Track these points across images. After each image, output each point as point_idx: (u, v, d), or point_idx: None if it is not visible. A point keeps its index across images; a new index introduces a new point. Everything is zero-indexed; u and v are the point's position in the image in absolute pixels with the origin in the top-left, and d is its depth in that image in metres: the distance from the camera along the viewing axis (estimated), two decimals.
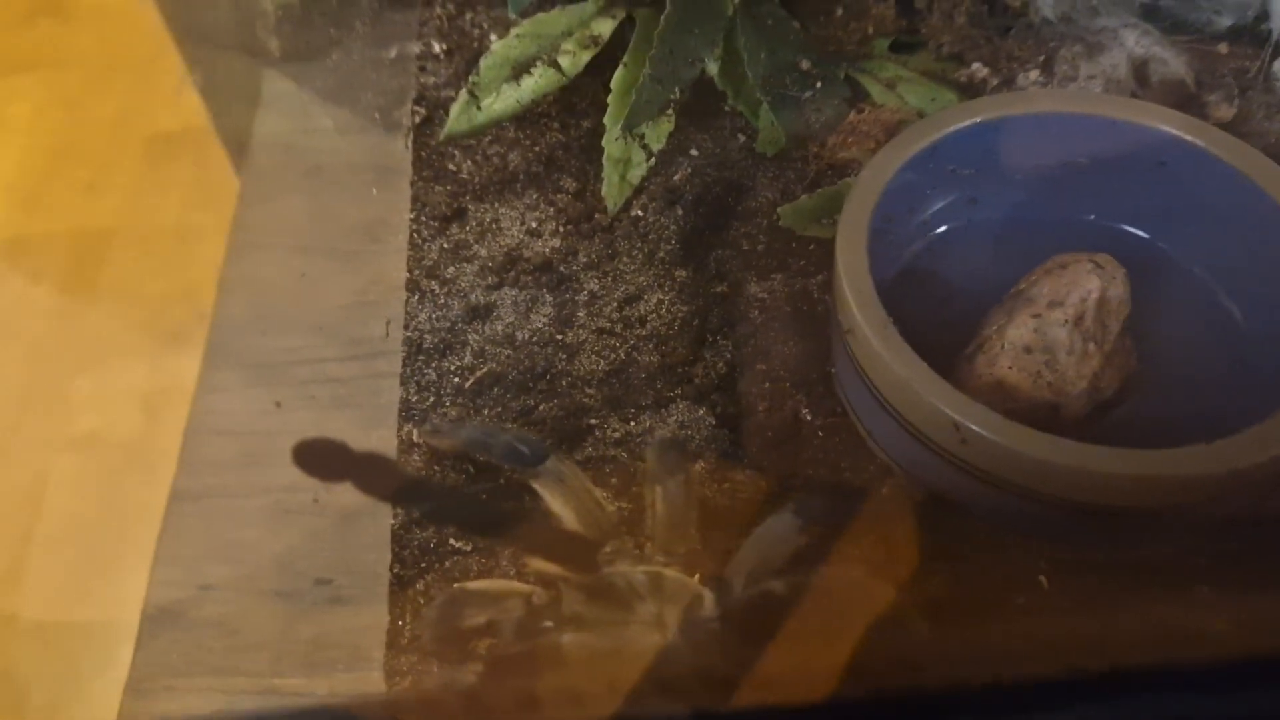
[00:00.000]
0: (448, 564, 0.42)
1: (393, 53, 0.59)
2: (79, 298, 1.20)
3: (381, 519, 0.43)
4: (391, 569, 0.42)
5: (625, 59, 0.50)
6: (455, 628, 0.36)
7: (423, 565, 0.42)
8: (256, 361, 0.51)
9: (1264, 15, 0.52)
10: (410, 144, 0.55)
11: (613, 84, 0.49)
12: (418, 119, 0.56)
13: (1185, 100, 0.50)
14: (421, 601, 0.41)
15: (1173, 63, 0.50)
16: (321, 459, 0.32)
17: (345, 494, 0.46)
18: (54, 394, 1.12)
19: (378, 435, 0.46)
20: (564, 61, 0.50)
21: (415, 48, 0.58)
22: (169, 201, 1.24)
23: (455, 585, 0.40)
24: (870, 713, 0.30)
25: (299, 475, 0.45)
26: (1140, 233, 0.46)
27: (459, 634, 0.35)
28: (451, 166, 0.54)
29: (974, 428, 0.36)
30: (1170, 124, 0.44)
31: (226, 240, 0.58)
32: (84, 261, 1.22)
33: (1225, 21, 0.52)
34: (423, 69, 0.57)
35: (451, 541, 0.42)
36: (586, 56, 0.50)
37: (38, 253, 1.24)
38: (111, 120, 1.33)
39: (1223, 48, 0.52)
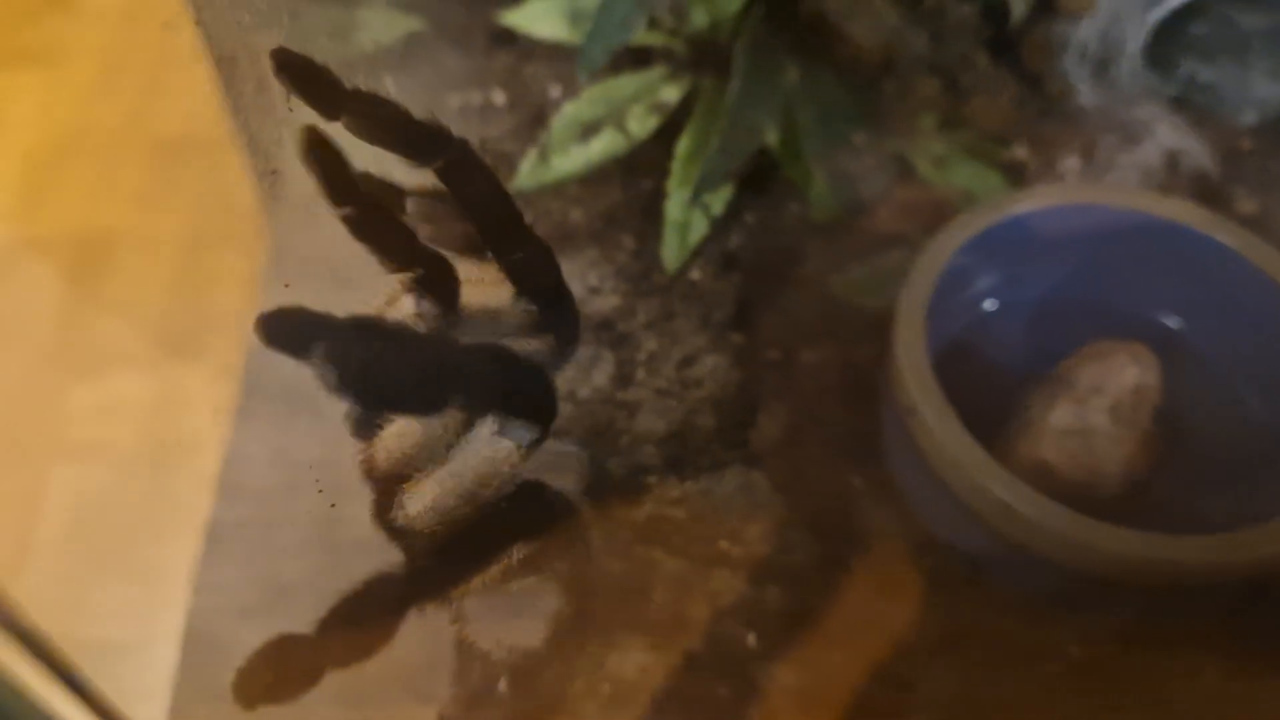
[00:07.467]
0: None
1: (455, 102, 0.60)
2: (81, 303, 1.19)
3: None
4: None
5: (689, 126, 0.52)
6: None
7: None
8: (296, 391, 0.50)
9: None
10: None
11: (678, 150, 0.52)
12: None
13: (1211, 192, 0.53)
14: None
15: (1200, 156, 0.53)
16: (291, 332, 0.29)
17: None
18: (54, 402, 1.11)
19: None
20: (632, 126, 0.52)
21: (476, 98, 0.60)
22: (176, 207, 1.23)
23: None
24: None
25: (344, 507, 0.47)
26: (1168, 321, 0.49)
27: None
28: None
29: (1022, 510, 0.39)
30: (1196, 221, 0.47)
31: (262, 265, 0.58)
32: (87, 266, 1.21)
33: (1249, 118, 0.55)
34: (484, 120, 0.59)
35: None
36: (654, 122, 0.52)
37: (40, 256, 1.23)
38: (118, 121, 1.32)
39: (1245, 142, 0.56)
